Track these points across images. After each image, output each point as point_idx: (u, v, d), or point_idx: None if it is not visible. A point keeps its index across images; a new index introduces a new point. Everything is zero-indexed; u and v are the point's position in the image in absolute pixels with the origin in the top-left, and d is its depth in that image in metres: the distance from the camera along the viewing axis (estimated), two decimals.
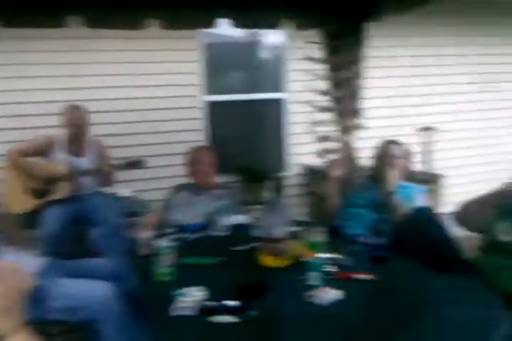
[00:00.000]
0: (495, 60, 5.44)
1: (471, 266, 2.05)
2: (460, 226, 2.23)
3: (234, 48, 4.75)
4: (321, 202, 3.06)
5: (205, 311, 1.57)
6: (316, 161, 3.97)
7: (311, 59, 3.48)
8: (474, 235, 2.23)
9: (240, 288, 1.65)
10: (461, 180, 4.97)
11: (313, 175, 4.46)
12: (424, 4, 2.89)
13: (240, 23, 3.13)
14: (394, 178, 2.64)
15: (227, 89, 4.71)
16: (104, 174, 3.32)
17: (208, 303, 1.61)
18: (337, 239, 2.43)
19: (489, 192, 2.13)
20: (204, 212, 2.67)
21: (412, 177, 2.85)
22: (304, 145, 4.54)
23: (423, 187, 2.77)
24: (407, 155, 2.82)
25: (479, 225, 2.17)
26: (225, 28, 3.46)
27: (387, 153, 2.77)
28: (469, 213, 2.18)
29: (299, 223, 2.35)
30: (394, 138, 2.96)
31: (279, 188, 2.93)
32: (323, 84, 3.54)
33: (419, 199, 2.65)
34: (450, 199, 3.38)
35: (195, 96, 4.44)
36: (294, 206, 4.49)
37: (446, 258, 2.01)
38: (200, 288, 1.70)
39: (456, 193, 3.68)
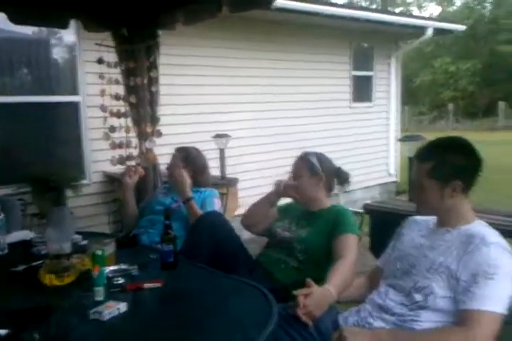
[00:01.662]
0: (281, 74, 6.01)
1: (255, 263, 2.19)
2: (246, 229, 2.38)
3: (19, 46, 4.34)
4: (122, 211, 2.97)
5: None
6: (118, 168, 3.85)
7: (103, 62, 3.35)
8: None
9: (11, 314, 1.48)
10: (252, 184, 5.32)
11: (115, 183, 4.32)
12: (211, 18, 3.03)
13: (17, 19, 2.85)
14: (187, 184, 2.69)
15: (9, 90, 4.26)
16: None
17: None
18: (133, 248, 2.38)
19: (265, 195, 2.31)
20: None
21: (208, 181, 2.94)
22: (105, 152, 4.37)
23: (217, 192, 2.88)
24: (200, 160, 2.90)
25: (261, 228, 2.35)
26: (5, 23, 3.12)
27: (180, 160, 2.81)
28: (250, 218, 2.34)
29: (87, 235, 2.23)
30: (190, 145, 3.03)
31: (63, 199, 2.74)
32: (119, 89, 3.45)
33: (214, 203, 2.75)
34: (243, 202, 3.59)
35: None
36: (97, 216, 4.29)
37: (232, 259, 2.11)
38: None
39: (248, 196, 3.94)
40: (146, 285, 1.75)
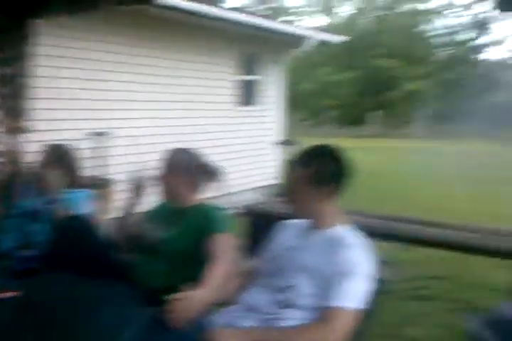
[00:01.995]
0: (164, 72, 5.92)
1: (125, 267, 2.12)
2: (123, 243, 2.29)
3: None
4: None
5: None
6: None
7: None
8: None
9: None
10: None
11: None
12: (93, 9, 2.91)
13: None
14: (57, 184, 2.54)
15: None
16: None
17: None
18: None
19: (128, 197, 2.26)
20: None
21: (81, 182, 2.80)
22: None
23: (90, 193, 2.75)
24: (73, 159, 2.76)
25: (134, 236, 2.27)
26: None
27: (51, 158, 2.65)
28: (123, 221, 2.26)
29: None
30: (61, 143, 2.87)
31: None
32: None
33: (85, 205, 2.62)
34: (119, 205, 3.47)
35: None
36: None
37: (100, 264, 2.02)
38: None
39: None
40: (1, 296, 1.61)
